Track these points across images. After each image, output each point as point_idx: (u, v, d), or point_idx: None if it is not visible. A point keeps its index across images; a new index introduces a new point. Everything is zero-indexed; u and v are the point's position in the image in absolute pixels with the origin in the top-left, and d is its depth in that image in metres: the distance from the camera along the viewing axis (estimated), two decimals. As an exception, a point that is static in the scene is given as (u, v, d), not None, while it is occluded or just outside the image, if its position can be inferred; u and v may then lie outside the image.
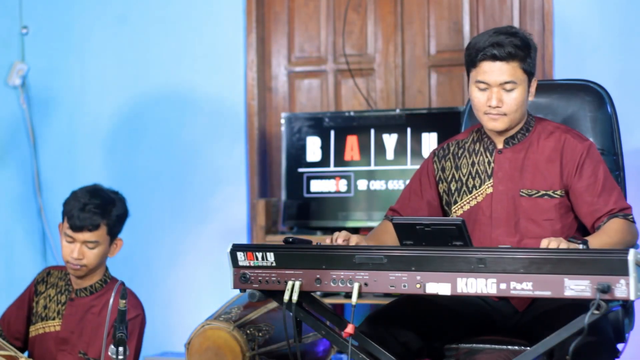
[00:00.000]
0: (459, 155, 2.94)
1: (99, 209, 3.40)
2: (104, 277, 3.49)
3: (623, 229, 2.66)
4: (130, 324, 3.08)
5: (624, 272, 2.16)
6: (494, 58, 2.73)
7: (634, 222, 2.73)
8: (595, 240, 2.54)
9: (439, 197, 2.95)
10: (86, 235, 3.39)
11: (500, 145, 2.87)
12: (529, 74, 2.78)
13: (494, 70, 2.74)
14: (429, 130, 4.28)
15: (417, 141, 4.30)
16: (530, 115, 2.90)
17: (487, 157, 2.89)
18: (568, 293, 2.21)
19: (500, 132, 2.84)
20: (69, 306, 3.47)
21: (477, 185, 2.87)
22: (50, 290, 3.52)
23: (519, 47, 2.74)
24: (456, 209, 2.89)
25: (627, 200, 3.15)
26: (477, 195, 2.87)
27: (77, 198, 3.42)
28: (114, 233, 3.47)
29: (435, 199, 2.94)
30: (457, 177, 2.93)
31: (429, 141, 4.27)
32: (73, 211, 3.39)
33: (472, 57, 2.78)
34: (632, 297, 2.16)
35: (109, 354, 2.64)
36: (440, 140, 4.20)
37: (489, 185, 2.85)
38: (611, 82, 3.50)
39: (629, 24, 4.22)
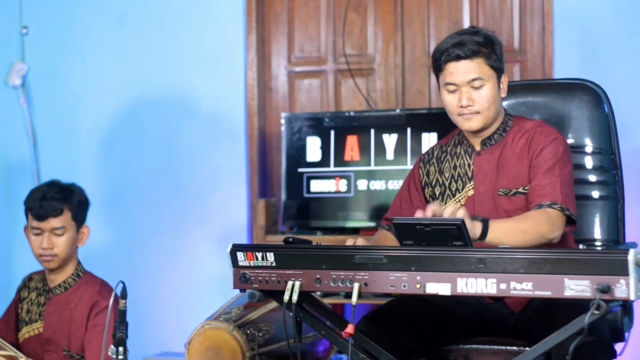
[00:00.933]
0: (442, 159, 2.97)
1: (59, 194, 3.50)
2: (76, 271, 3.53)
3: (541, 218, 2.64)
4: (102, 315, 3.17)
5: (624, 272, 2.16)
6: (458, 58, 2.75)
7: (565, 213, 2.69)
8: (504, 224, 2.57)
9: (426, 202, 2.95)
10: (52, 222, 3.45)
11: (478, 147, 2.89)
12: (497, 69, 2.79)
13: (459, 70, 2.76)
14: (429, 130, 4.29)
15: (417, 141, 4.30)
16: (508, 115, 2.90)
17: (467, 159, 2.90)
18: (568, 293, 2.20)
19: (476, 133, 2.86)
20: (47, 306, 3.50)
21: (460, 188, 2.89)
22: (31, 294, 3.56)
23: (481, 44, 2.76)
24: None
25: (624, 200, 3.16)
26: (460, 198, 2.88)
27: (36, 191, 3.55)
28: (78, 219, 3.52)
29: (424, 204, 2.95)
30: (440, 181, 2.94)
31: (429, 141, 4.27)
32: (34, 202, 3.48)
33: (437, 61, 2.80)
34: (632, 297, 2.16)
35: (109, 354, 2.64)
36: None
37: (470, 187, 2.87)
38: (611, 82, 3.51)
39: (629, 24, 4.22)
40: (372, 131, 4.37)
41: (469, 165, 2.89)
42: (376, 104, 4.68)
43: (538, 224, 2.62)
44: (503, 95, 2.85)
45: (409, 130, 4.32)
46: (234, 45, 4.78)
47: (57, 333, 3.47)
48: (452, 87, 2.78)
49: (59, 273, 3.51)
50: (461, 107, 2.78)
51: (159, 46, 4.86)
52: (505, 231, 2.54)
